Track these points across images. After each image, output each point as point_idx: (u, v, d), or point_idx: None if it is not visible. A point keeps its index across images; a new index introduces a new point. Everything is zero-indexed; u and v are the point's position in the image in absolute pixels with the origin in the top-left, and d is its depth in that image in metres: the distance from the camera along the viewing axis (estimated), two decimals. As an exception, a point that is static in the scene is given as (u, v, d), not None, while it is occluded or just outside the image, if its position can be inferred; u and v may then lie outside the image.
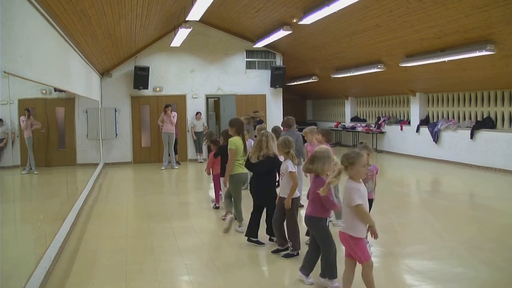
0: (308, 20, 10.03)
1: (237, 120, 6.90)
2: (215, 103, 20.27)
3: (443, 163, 13.60)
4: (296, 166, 5.70)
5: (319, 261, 4.67)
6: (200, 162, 14.94)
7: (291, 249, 5.49)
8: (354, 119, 19.21)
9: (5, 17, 3.84)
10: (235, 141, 6.56)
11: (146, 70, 14.50)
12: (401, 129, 15.84)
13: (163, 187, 11.46)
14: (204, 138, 9.39)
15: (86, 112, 10.22)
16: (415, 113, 15.16)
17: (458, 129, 13.21)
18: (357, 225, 4.01)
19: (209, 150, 9.28)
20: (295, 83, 18.99)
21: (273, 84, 16.04)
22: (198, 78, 15.54)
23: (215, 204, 8.35)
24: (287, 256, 5.49)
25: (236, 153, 6.54)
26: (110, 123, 14.46)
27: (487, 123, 12.36)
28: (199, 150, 15.25)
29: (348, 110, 19.56)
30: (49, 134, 6.36)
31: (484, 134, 12.30)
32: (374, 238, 4.11)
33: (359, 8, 9.54)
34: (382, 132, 16.86)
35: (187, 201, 9.28)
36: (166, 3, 10.32)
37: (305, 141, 7.75)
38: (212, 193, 9.27)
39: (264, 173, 5.93)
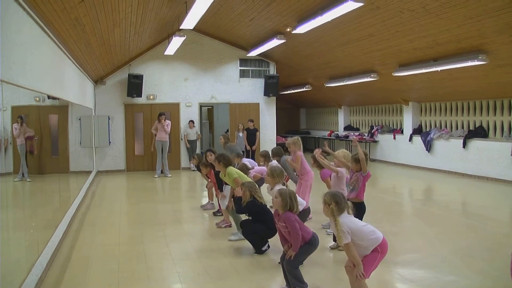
0: (302, 29, 10.08)
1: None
2: (208, 112, 20.33)
3: (436, 172, 13.66)
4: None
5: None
6: (193, 170, 14.89)
7: None
8: (347, 128, 19.27)
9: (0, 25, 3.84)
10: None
11: (139, 78, 14.48)
12: (394, 138, 15.91)
13: (156, 195, 11.43)
14: (194, 160, 9.42)
15: (79, 119, 10.19)
16: (408, 122, 15.24)
17: (451, 138, 13.29)
18: (359, 248, 4.04)
19: (198, 169, 9.31)
20: (289, 91, 19.05)
21: (267, 92, 16.07)
22: (192, 86, 15.55)
23: (218, 210, 8.40)
24: None
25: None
26: (104, 131, 14.42)
27: (479, 132, 12.45)
28: (192, 158, 15.17)
29: (342, 119, 19.63)
30: (42, 141, 6.34)
31: (476, 143, 12.38)
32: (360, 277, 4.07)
33: (353, 18, 9.60)
34: (375, 141, 16.92)
35: (180, 209, 9.26)
36: (161, 12, 10.35)
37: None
38: (205, 201, 9.29)
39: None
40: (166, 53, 13.94)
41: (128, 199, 10.90)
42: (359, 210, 5.57)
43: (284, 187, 5.66)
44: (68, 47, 7.97)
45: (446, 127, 13.88)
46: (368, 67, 13.12)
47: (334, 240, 6.02)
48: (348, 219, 4.08)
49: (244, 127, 14.72)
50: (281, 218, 4.68)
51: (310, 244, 4.64)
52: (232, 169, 6.90)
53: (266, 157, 8.51)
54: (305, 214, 5.82)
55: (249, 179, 7.00)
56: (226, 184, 7.53)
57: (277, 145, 14.89)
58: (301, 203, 5.64)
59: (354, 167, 5.74)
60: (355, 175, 5.74)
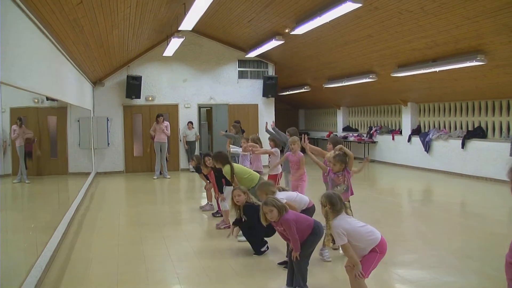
0: (300, 30, 10.09)
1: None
2: (207, 113, 20.30)
3: (435, 172, 13.67)
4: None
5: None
6: (192, 171, 14.87)
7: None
8: (346, 128, 19.27)
9: (-2, 26, 3.85)
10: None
11: (138, 79, 14.49)
12: (393, 138, 15.92)
13: (155, 196, 11.42)
14: (193, 162, 9.38)
15: (78, 121, 10.19)
16: (406, 122, 15.25)
17: (450, 138, 13.31)
18: (357, 249, 4.05)
19: (197, 171, 9.31)
20: (288, 92, 19.07)
21: (265, 93, 16.07)
22: (191, 87, 15.55)
23: (217, 211, 8.40)
24: None
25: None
26: (102, 132, 14.41)
27: (478, 133, 12.47)
28: (191, 159, 15.14)
29: (340, 120, 19.64)
30: (41, 143, 6.34)
31: (475, 144, 12.39)
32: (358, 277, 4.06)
33: (351, 19, 9.62)
34: (374, 142, 16.93)
35: (179, 210, 9.26)
36: (159, 13, 10.35)
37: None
38: (204, 202, 9.29)
39: None
40: (164, 54, 13.93)
41: (127, 200, 10.90)
42: None
43: (282, 188, 5.68)
44: (66, 48, 7.97)
45: (444, 127, 13.89)
46: (366, 68, 13.13)
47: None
48: (344, 220, 4.06)
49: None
50: (279, 224, 4.67)
51: (313, 234, 4.65)
52: (228, 169, 6.95)
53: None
54: (309, 213, 5.80)
55: (251, 172, 7.10)
56: (226, 185, 7.54)
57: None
58: (305, 201, 5.66)
59: (337, 167, 5.72)
60: (342, 174, 5.73)
